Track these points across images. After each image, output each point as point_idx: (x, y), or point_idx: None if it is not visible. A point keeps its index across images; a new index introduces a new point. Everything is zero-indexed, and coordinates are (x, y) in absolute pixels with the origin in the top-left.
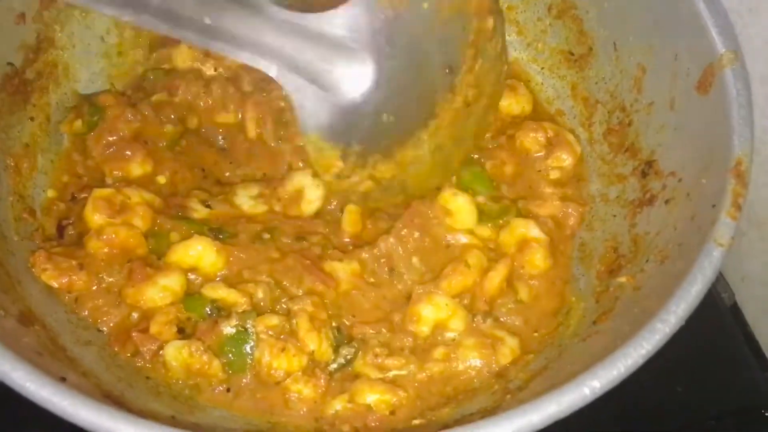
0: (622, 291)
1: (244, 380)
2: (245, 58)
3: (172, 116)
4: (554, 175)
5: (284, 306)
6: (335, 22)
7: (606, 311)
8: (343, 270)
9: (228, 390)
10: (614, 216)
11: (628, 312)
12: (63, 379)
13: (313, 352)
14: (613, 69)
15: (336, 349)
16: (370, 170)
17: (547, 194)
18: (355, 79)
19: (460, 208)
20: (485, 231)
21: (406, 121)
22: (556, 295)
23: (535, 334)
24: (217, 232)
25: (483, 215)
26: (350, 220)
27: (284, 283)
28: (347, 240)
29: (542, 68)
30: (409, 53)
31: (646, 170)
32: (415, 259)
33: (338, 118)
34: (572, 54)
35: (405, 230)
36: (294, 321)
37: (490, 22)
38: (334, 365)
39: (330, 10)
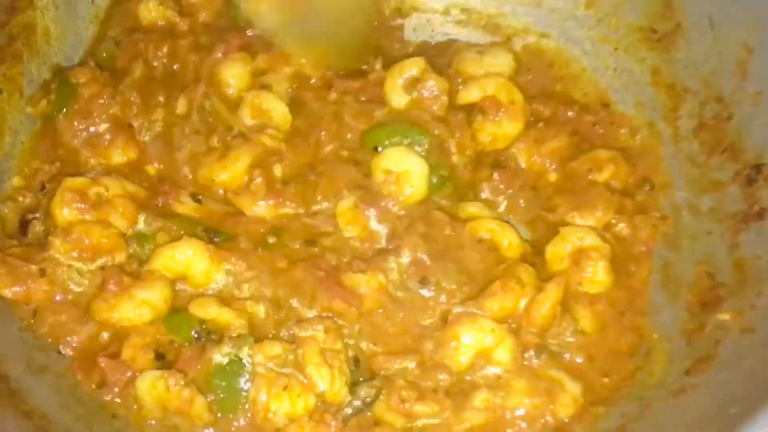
0: (725, 333)
1: (235, 424)
2: None
3: (161, 98)
4: (607, 177)
5: (291, 331)
6: None
7: (703, 359)
8: (367, 284)
9: None
10: (708, 233)
11: (738, 364)
12: None
13: (323, 393)
14: (708, 50)
15: (352, 388)
16: None
17: (604, 202)
18: None
19: (397, 160)
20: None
21: None
22: (629, 329)
23: (605, 380)
24: (213, 233)
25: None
26: (347, 219)
27: (292, 301)
28: (357, 243)
29: (615, 49)
30: None
31: (752, 176)
32: (450, 265)
33: None
34: (654, 31)
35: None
36: (300, 351)
37: None
38: (350, 409)
39: None
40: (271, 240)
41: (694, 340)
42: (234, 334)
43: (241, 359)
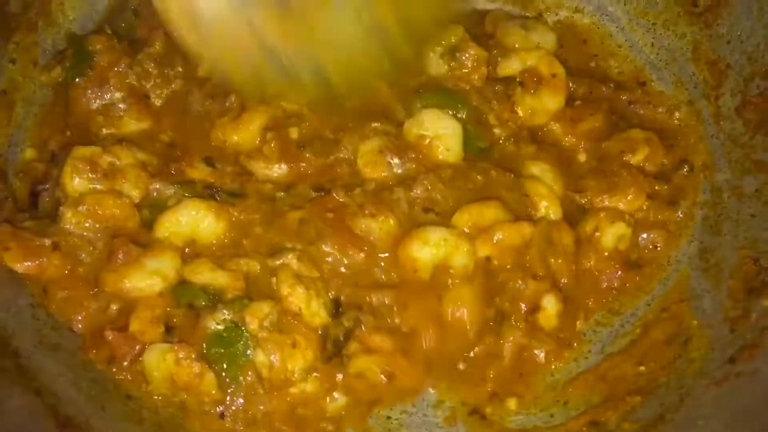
0: None
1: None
2: None
3: (180, 68)
4: (641, 159)
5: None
6: None
7: (749, 346)
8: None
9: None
10: (752, 216)
11: None
12: None
13: (301, 314)
14: (754, 23)
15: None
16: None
17: (636, 186)
18: None
19: (431, 122)
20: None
21: None
22: (667, 316)
23: (641, 368)
24: (218, 192)
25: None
26: (365, 161)
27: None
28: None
29: (653, 24)
30: None
31: None
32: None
33: None
34: (695, 5)
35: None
36: (274, 279)
37: None
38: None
39: None
40: (280, 194)
41: (739, 327)
42: (230, 297)
43: (236, 324)
